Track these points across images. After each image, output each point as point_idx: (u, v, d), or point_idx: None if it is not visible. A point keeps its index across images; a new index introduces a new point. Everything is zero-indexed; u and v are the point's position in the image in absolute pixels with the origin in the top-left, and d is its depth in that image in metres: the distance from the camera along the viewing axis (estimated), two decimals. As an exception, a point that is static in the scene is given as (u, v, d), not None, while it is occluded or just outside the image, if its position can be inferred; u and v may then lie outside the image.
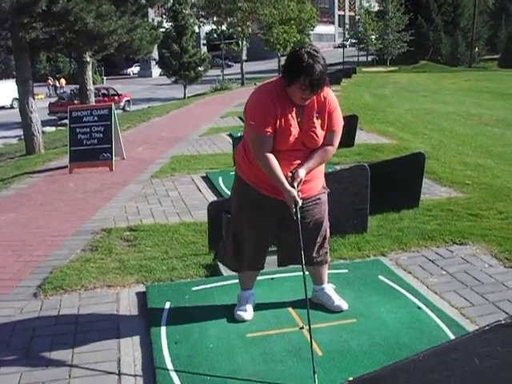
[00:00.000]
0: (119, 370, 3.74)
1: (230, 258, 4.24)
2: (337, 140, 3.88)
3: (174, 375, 3.57)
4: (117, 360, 3.86)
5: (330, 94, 3.83)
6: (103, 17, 15.27)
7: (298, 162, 3.77)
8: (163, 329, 4.15)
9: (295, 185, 3.69)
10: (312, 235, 4.03)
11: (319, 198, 4.03)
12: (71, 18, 14.39)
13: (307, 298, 3.71)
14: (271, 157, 3.69)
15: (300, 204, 3.71)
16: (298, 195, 3.69)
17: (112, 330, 4.29)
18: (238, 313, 4.26)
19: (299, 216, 3.72)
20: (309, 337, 3.86)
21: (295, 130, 3.71)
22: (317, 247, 4.13)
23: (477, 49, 68.61)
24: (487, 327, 2.20)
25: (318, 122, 3.76)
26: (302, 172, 3.72)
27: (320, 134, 3.77)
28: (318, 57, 3.58)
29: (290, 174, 3.71)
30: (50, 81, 55.96)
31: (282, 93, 3.69)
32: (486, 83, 37.84)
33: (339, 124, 3.86)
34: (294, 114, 3.71)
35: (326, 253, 4.26)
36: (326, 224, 4.15)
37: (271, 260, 4.31)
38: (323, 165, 4.00)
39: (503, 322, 2.21)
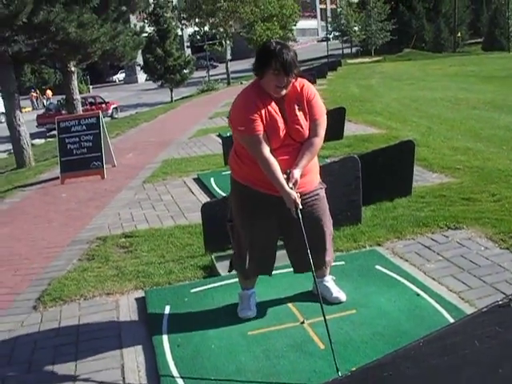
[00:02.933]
0: (123, 377, 3.74)
1: (241, 265, 4.20)
2: (322, 130, 3.86)
3: (178, 378, 3.58)
4: (120, 367, 3.87)
5: (306, 84, 3.86)
6: (85, 26, 15.21)
7: (290, 157, 3.77)
8: (165, 333, 4.15)
9: (291, 186, 3.69)
10: (319, 234, 4.02)
11: (318, 194, 4.01)
12: (53, 29, 14.33)
13: (321, 298, 3.73)
14: (271, 158, 3.69)
15: (300, 206, 3.69)
16: (298, 196, 3.69)
17: (114, 337, 4.29)
18: (243, 312, 4.26)
19: (301, 216, 3.70)
20: (310, 331, 3.90)
21: (282, 125, 3.73)
22: (326, 247, 4.13)
23: (460, 34, 68.78)
24: (485, 309, 2.21)
25: (300, 114, 3.78)
26: (297, 173, 3.71)
27: (305, 124, 3.79)
28: (286, 43, 3.72)
29: (284, 176, 3.70)
30: (33, 93, 55.68)
31: (261, 92, 3.73)
32: (470, 67, 37.98)
33: (321, 112, 3.86)
34: (277, 109, 3.74)
35: (331, 248, 4.26)
36: (329, 219, 4.14)
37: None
38: (316, 159, 4.00)
39: (500, 302, 2.22)
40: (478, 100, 19.35)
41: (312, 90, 3.87)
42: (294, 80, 3.73)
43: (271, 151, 3.72)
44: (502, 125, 13.75)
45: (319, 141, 3.86)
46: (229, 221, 4.19)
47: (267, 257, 4.16)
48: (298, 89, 3.80)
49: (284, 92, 3.73)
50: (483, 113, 16.31)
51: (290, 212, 3.73)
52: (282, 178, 3.68)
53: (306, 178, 3.84)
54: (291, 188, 3.68)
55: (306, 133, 3.81)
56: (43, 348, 4.25)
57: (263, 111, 3.69)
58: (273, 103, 3.74)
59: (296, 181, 3.70)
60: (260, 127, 3.67)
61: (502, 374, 2.30)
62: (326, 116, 3.91)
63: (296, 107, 3.78)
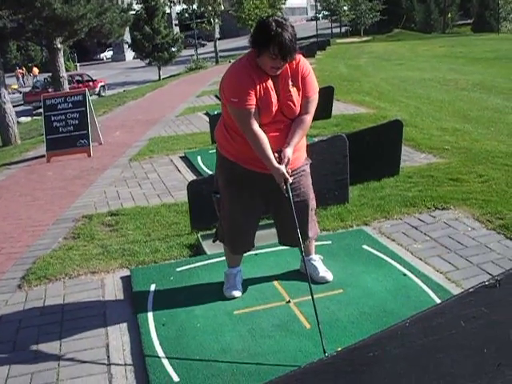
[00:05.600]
0: (108, 356, 3.72)
1: (228, 238, 4.20)
2: (313, 107, 3.82)
3: (163, 357, 3.56)
4: (105, 346, 3.85)
5: (302, 59, 3.79)
6: (71, 1, 15.06)
7: (280, 133, 3.73)
8: (150, 311, 4.13)
9: (283, 165, 3.65)
10: (303, 209, 3.99)
11: (304, 170, 4.00)
12: (38, 5, 14.16)
13: (309, 277, 3.71)
14: (261, 133, 3.65)
15: (290, 180, 3.68)
16: (287, 172, 3.66)
17: (99, 316, 4.27)
18: (229, 291, 4.24)
19: (290, 193, 3.69)
20: (296, 310, 3.89)
21: (275, 100, 3.68)
22: (309, 221, 4.12)
23: (450, 14, 68.76)
24: (471, 289, 2.20)
25: (293, 90, 3.72)
26: (289, 151, 3.68)
27: (297, 101, 3.74)
28: (286, 25, 3.55)
29: (276, 155, 3.66)
30: (19, 70, 55.17)
31: (257, 65, 3.66)
32: (460, 48, 37.97)
33: (314, 90, 3.81)
34: (271, 84, 3.68)
35: (315, 224, 4.27)
36: (313, 195, 4.13)
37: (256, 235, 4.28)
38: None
39: (487, 283, 2.21)
40: (466, 81, 19.34)
41: (307, 66, 3.81)
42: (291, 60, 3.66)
43: (261, 126, 3.68)
44: (490, 106, 13.76)
45: (310, 118, 3.83)
46: (215, 193, 4.16)
47: (251, 231, 4.16)
48: (294, 64, 3.72)
49: (279, 72, 3.67)
50: (472, 94, 16.31)
51: (277, 188, 3.70)
52: (270, 152, 3.64)
53: (293, 155, 3.79)
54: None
55: (298, 109, 3.76)
56: (28, 327, 4.21)
57: (257, 85, 3.63)
58: (268, 78, 3.67)
59: (288, 160, 3.67)
60: (253, 101, 3.61)
61: (487, 355, 2.30)
62: (317, 94, 3.87)
63: (290, 83, 3.72)
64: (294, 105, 3.73)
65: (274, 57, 3.53)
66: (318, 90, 3.86)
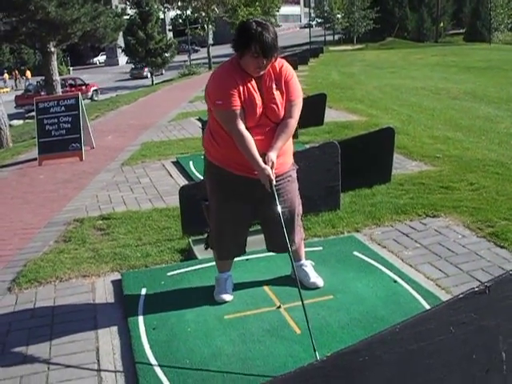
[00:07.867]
0: (98, 360, 3.71)
1: (217, 245, 4.22)
2: (297, 111, 3.85)
3: (153, 361, 3.55)
4: (95, 349, 3.84)
5: (285, 64, 3.85)
6: (65, 5, 15.06)
7: (265, 137, 3.76)
8: (140, 316, 4.13)
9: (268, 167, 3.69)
10: (289, 216, 4.02)
11: (290, 175, 4.03)
12: (32, 8, 14.15)
13: (298, 283, 3.72)
14: (247, 134, 3.68)
15: (274, 182, 3.70)
16: (273, 173, 3.68)
17: (89, 319, 4.26)
18: (220, 295, 4.25)
19: (275, 190, 3.71)
20: (287, 315, 3.90)
21: (259, 102, 3.71)
22: (295, 227, 4.14)
23: (442, 24, 69.03)
24: (461, 295, 2.21)
25: (277, 93, 3.76)
26: (273, 155, 3.71)
27: (281, 104, 3.78)
28: (267, 24, 3.64)
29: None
30: (6, 75, 55.14)
31: (240, 68, 3.71)
32: (452, 57, 38.09)
33: (297, 94, 3.85)
34: (255, 86, 3.72)
35: (301, 229, 4.28)
36: (299, 201, 4.16)
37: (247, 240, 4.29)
38: (290, 140, 3.99)
39: (476, 289, 2.22)
40: (458, 90, 19.42)
41: (290, 70, 3.85)
42: (273, 60, 3.71)
43: (247, 129, 3.71)
44: (481, 115, 13.82)
45: (294, 122, 3.85)
46: (204, 200, 4.17)
47: (241, 238, 4.18)
48: (277, 68, 3.78)
49: (262, 72, 3.71)
50: (463, 103, 16.37)
51: (263, 194, 3.73)
52: (256, 153, 3.68)
53: (279, 160, 3.82)
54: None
55: (282, 113, 3.79)
56: (18, 330, 4.19)
57: (241, 87, 3.67)
58: (251, 80, 3.72)
59: (273, 163, 3.70)
60: (238, 102, 3.65)
61: (476, 360, 2.31)
62: (301, 98, 3.90)
63: (274, 86, 3.76)
64: (278, 108, 3.76)
65: (256, 55, 3.57)
66: (301, 94, 3.90)
